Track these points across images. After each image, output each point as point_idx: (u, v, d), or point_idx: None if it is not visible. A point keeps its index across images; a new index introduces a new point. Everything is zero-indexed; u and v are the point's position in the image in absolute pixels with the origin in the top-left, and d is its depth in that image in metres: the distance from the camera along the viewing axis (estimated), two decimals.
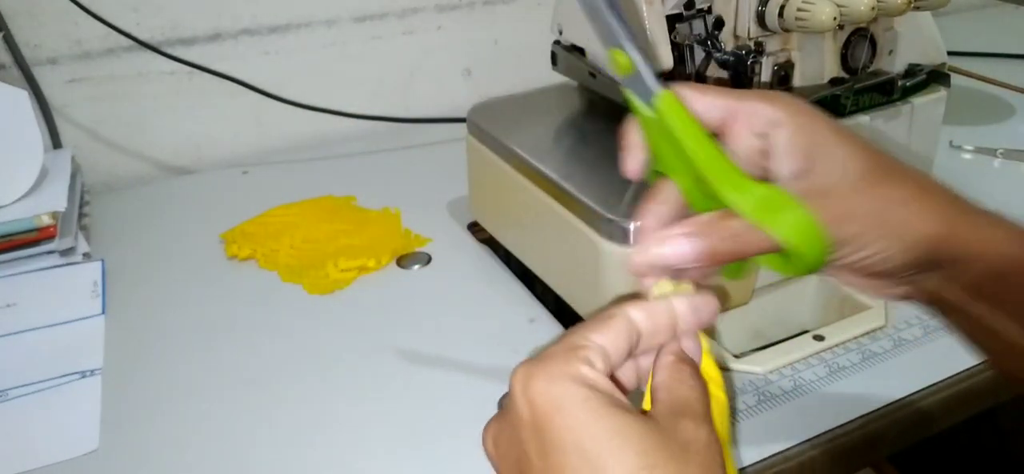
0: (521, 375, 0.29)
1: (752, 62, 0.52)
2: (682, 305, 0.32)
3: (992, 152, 0.78)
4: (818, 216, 0.31)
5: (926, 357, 0.52)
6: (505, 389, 0.51)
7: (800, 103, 0.33)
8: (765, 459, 0.44)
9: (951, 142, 0.79)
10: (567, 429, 0.27)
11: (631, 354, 0.31)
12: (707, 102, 0.34)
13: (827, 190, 0.32)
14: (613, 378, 0.30)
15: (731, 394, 0.49)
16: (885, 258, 0.32)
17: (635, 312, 0.31)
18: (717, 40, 0.52)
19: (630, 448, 0.27)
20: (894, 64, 0.58)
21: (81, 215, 0.72)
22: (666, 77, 0.53)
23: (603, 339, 0.30)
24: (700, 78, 0.53)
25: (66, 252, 0.66)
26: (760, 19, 0.51)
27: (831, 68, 0.56)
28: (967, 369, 0.51)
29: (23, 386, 0.52)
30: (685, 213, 0.35)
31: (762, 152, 0.33)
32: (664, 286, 0.33)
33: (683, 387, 0.30)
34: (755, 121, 0.33)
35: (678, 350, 0.32)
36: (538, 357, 0.29)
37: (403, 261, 0.65)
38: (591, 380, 0.28)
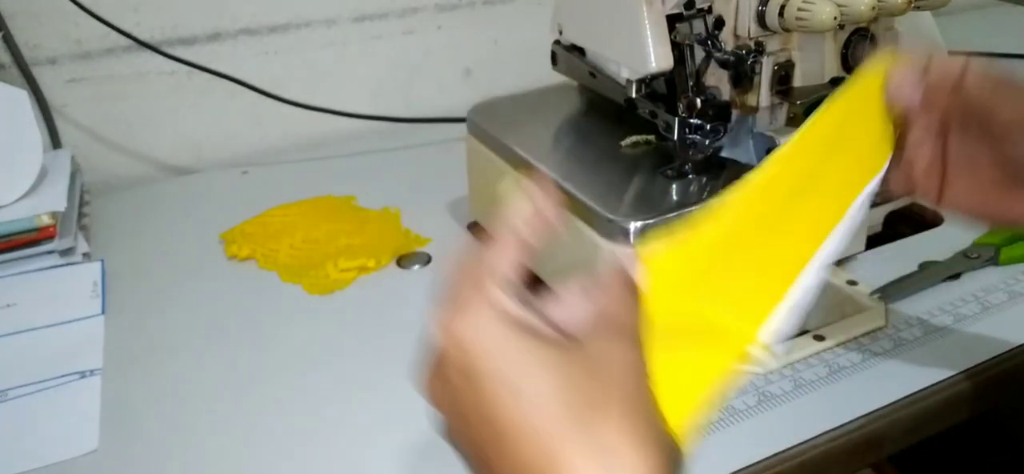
0: (444, 323, 0.30)
1: (752, 62, 0.52)
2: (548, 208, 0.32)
3: None
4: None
5: (926, 357, 0.51)
6: None
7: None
8: (765, 459, 0.44)
9: None
10: (489, 360, 0.28)
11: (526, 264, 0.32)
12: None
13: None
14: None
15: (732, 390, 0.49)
16: None
17: (518, 225, 0.32)
18: (717, 40, 0.52)
19: (547, 373, 0.28)
20: None
21: (81, 215, 0.72)
22: (667, 78, 0.53)
23: (504, 264, 0.31)
24: (700, 77, 0.53)
25: (66, 252, 0.66)
26: (760, 19, 0.51)
27: (831, 68, 0.55)
28: (967, 369, 0.51)
29: (23, 386, 0.52)
30: None
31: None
32: (508, 184, 0.33)
33: (612, 303, 0.31)
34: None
35: (618, 267, 0.32)
36: (451, 299, 0.30)
37: (403, 261, 0.65)
38: (506, 311, 0.29)
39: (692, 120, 0.53)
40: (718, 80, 0.54)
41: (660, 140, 0.56)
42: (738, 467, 0.44)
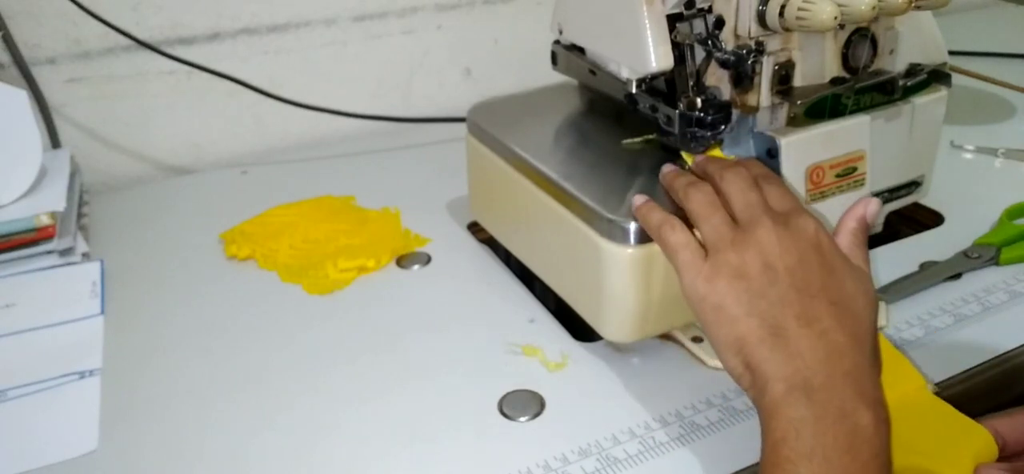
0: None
1: (753, 62, 0.52)
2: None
3: (993, 152, 0.78)
4: None
5: (926, 357, 0.51)
6: (503, 391, 0.51)
7: None
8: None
9: (952, 142, 0.79)
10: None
11: None
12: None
13: None
14: None
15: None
16: None
17: None
18: (717, 39, 0.52)
19: None
20: (895, 63, 0.58)
21: (80, 215, 0.72)
22: (667, 77, 0.53)
23: None
24: (700, 77, 0.53)
25: (65, 252, 0.66)
26: (761, 19, 0.51)
27: (832, 67, 0.55)
28: (967, 370, 0.51)
29: (22, 386, 0.52)
30: None
31: None
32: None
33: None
34: None
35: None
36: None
37: (403, 261, 0.65)
38: None
39: (693, 113, 0.53)
40: (718, 80, 0.54)
41: (661, 136, 0.56)
42: (740, 467, 0.44)
